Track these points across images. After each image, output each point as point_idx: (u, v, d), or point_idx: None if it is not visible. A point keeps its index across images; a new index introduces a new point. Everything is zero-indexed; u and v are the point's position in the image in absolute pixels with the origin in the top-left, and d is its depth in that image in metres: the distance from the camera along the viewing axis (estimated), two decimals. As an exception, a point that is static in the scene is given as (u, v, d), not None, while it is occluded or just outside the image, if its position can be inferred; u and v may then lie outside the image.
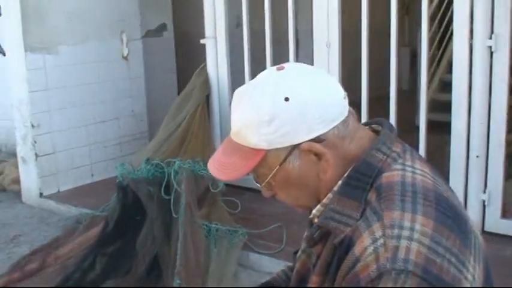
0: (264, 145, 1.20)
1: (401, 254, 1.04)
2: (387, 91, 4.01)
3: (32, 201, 5.13)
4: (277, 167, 1.22)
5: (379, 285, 1.04)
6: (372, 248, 1.07)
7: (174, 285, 3.23)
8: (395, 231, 1.08)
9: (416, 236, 1.07)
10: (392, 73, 3.96)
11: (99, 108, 5.52)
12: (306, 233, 1.30)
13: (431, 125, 4.21)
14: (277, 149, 1.20)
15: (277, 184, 1.27)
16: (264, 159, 1.21)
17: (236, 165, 1.24)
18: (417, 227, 1.08)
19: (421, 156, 1.32)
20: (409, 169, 1.21)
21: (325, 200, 1.26)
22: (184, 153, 4.38)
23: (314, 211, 1.29)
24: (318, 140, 1.19)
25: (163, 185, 4.12)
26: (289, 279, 1.43)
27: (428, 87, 4.33)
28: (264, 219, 4.14)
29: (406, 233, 1.07)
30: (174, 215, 3.89)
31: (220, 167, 1.27)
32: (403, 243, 1.06)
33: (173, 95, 5.96)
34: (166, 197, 4.03)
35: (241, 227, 3.89)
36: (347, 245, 1.13)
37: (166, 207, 4.00)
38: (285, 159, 1.21)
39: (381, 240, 1.08)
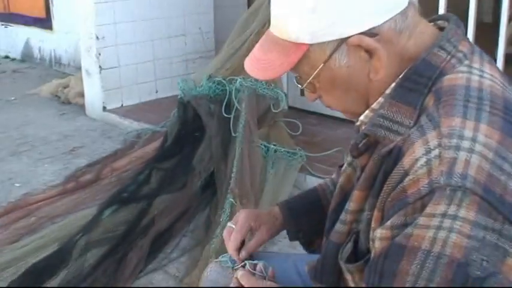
0: (306, 38, 1.03)
1: (459, 168, 0.89)
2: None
3: (95, 114, 5.12)
4: (321, 65, 1.05)
5: (430, 204, 0.88)
6: (425, 159, 0.91)
7: (227, 203, 3.11)
8: (454, 141, 0.91)
9: (478, 148, 0.91)
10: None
11: (166, 24, 5.36)
12: (351, 142, 1.10)
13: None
14: (321, 44, 1.03)
15: (321, 85, 1.10)
16: (306, 55, 1.05)
17: (274, 61, 1.07)
18: (480, 137, 0.92)
19: (491, 59, 1.10)
20: (476, 72, 1.02)
21: (374, 105, 1.08)
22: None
23: (361, 117, 1.12)
24: (370, 33, 1.01)
25: (224, 103, 3.99)
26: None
27: (510, 20, 3.94)
28: (325, 143, 3.94)
29: (466, 143, 0.90)
30: (233, 134, 3.75)
31: (257, 63, 1.11)
32: (462, 155, 0.89)
33: (242, 13, 5.72)
34: (227, 116, 3.90)
35: (301, 149, 3.72)
36: (396, 156, 0.97)
37: (225, 126, 3.87)
38: (330, 56, 1.04)
39: (436, 151, 0.91)
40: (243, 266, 1.35)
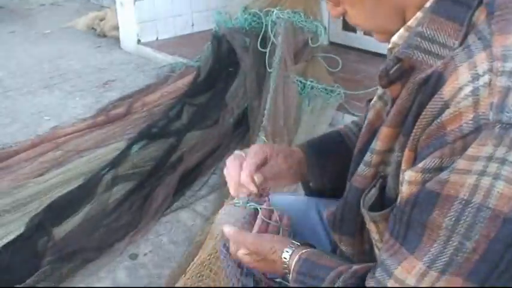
0: None
1: None
2: None
3: (130, 47, 4.98)
4: None
5: (473, 144, 0.72)
6: (470, 88, 0.73)
7: (258, 141, 2.96)
8: (509, 64, 0.72)
9: None
10: None
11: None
12: (380, 68, 0.91)
13: None
14: None
15: None
16: None
17: None
18: None
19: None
20: None
21: (411, 22, 0.87)
22: (284, 2, 3.94)
23: (394, 38, 0.90)
24: None
25: (260, 37, 3.79)
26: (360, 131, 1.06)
27: None
28: (365, 80, 3.72)
29: None
30: (268, 69, 3.56)
31: None
32: None
33: None
34: (262, 50, 3.70)
35: (340, 86, 3.50)
36: (434, 84, 0.78)
37: (261, 60, 3.68)
38: None
39: (485, 78, 0.72)
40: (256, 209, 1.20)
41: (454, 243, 0.74)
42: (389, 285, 0.80)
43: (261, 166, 1.19)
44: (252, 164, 1.17)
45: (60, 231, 2.50)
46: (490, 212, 0.71)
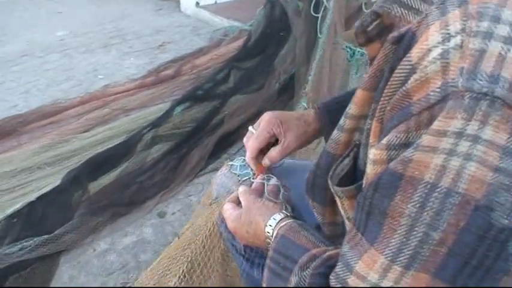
0: None
1: (488, 67, 0.60)
2: None
3: (189, 10, 5.01)
4: None
5: (439, 117, 0.62)
6: (440, 50, 0.63)
7: (298, 108, 2.92)
8: (484, 24, 0.63)
9: None
10: None
11: None
12: (355, 24, 0.83)
13: None
14: None
15: None
16: None
17: None
18: None
19: None
20: None
21: None
22: (341, -34, 3.83)
23: None
24: None
25: (314, 1, 3.70)
26: None
27: None
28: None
29: (502, 30, 0.62)
30: (319, 35, 3.49)
31: None
32: (495, 47, 0.61)
33: None
34: (315, 15, 3.61)
35: (391, 54, 3.38)
36: (406, 45, 0.69)
37: (312, 26, 3.59)
38: None
39: (457, 39, 0.63)
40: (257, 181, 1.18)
41: (419, 234, 0.63)
42: (350, 283, 0.69)
43: (266, 142, 1.17)
44: (255, 146, 1.16)
45: (96, 186, 2.57)
46: (460, 197, 0.61)
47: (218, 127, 3.02)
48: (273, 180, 1.15)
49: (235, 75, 3.54)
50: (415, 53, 0.65)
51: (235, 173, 1.29)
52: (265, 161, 1.17)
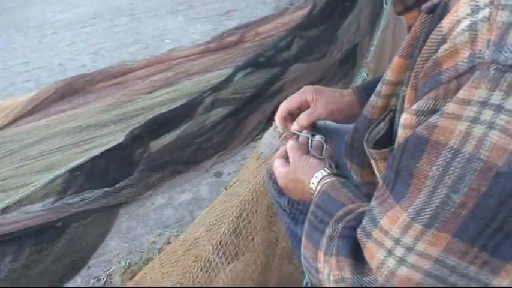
0: None
1: None
2: None
3: (256, -22, 5.02)
4: None
5: (465, 86, 0.64)
6: (468, 22, 0.65)
7: (359, 78, 2.92)
8: None
9: None
10: None
11: None
12: None
13: None
14: None
15: None
16: None
17: None
18: None
19: None
20: None
21: None
22: None
23: None
24: None
25: (381, -29, 3.66)
26: None
27: None
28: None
29: None
30: (384, 5, 3.45)
31: None
32: None
33: None
34: (382, -15, 3.57)
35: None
36: (440, 14, 0.71)
37: (379, -4, 3.57)
38: None
39: (486, 11, 0.65)
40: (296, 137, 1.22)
41: (440, 196, 0.66)
42: (374, 235, 0.74)
43: (297, 106, 1.21)
44: (285, 107, 1.21)
45: (157, 144, 2.67)
46: (482, 164, 0.63)
47: (277, 94, 3.06)
48: (317, 137, 1.19)
49: (298, 44, 3.56)
50: (446, 23, 0.67)
51: (278, 131, 1.34)
52: (294, 125, 1.20)
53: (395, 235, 0.71)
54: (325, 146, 1.20)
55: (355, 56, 3.34)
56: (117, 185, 2.36)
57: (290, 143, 1.16)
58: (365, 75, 2.92)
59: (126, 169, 2.50)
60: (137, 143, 2.66)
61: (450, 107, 0.65)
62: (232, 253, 1.68)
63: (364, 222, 0.77)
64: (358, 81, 2.90)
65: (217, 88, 3.10)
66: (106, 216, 2.32)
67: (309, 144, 1.18)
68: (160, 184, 2.44)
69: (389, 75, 0.85)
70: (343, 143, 1.28)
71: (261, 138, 2.75)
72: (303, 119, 1.19)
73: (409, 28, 0.82)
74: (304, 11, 3.93)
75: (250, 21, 4.10)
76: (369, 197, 0.97)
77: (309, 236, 0.93)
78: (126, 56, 3.65)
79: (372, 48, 3.08)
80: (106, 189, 2.33)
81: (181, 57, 3.54)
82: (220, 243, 1.69)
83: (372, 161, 0.89)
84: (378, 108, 0.90)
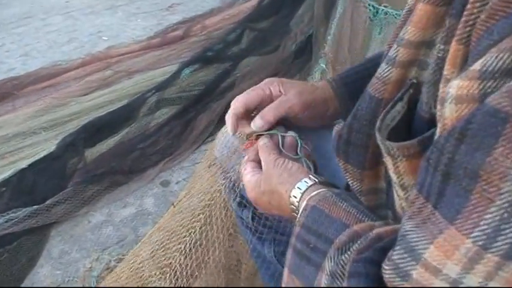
0: None
1: None
2: None
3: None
4: None
5: None
6: None
7: (317, 69, 2.67)
8: None
9: None
10: None
11: None
12: None
13: None
14: None
15: None
16: None
17: None
18: None
19: None
20: None
21: None
22: None
23: None
24: None
25: (334, -43, 3.42)
26: None
27: None
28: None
29: None
30: (340, -8, 3.21)
31: None
32: None
33: None
34: (335, -29, 3.33)
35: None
36: None
37: (333, -17, 3.33)
38: None
39: None
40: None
41: None
42: (416, 276, 0.45)
43: (259, 100, 0.90)
44: (242, 101, 0.89)
45: (93, 152, 2.35)
46: None
47: (228, 90, 2.78)
48: (290, 133, 0.90)
49: (248, 36, 3.28)
50: None
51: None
52: (256, 123, 0.88)
53: (452, 274, 0.43)
54: (299, 142, 0.91)
55: (310, 47, 3.09)
56: (48, 202, 2.04)
57: (262, 142, 0.87)
58: (323, 66, 2.67)
59: (58, 182, 2.17)
60: (71, 152, 2.33)
61: None
62: (185, 279, 1.40)
63: (395, 255, 0.48)
64: (317, 73, 2.65)
65: (161, 87, 2.79)
66: (35, 239, 1.98)
67: (280, 143, 0.89)
68: (98, 198, 2.12)
69: (410, 31, 0.59)
70: (320, 140, 0.99)
71: (212, 141, 2.46)
72: (269, 112, 0.88)
73: None
74: (253, 2, 3.66)
75: (196, 15, 3.79)
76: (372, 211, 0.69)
77: (295, 270, 0.64)
78: (60, 56, 3.30)
79: (329, 38, 2.83)
80: (35, 207, 2.00)
81: (121, 54, 3.21)
82: (170, 266, 1.40)
83: (388, 160, 0.60)
84: (392, 82, 0.63)
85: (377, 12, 3.11)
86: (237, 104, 0.90)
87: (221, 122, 2.54)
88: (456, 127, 0.44)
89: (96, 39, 3.56)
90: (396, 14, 3.07)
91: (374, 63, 0.95)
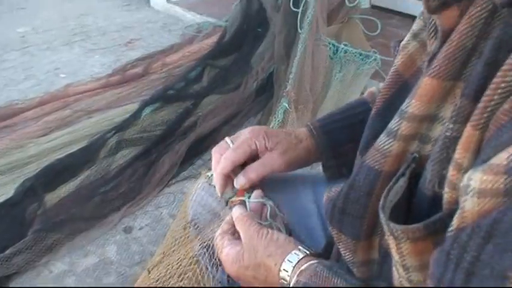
0: None
1: None
2: None
3: (159, 5, 4.73)
4: None
5: None
6: None
7: (280, 108, 2.66)
8: None
9: None
10: None
11: None
12: None
13: None
14: None
15: None
16: None
17: None
18: None
19: None
20: None
21: None
22: (322, -42, 3.59)
23: None
24: None
25: (293, -5, 3.46)
26: None
27: None
28: (406, 46, 3.34)
29: None
30: (299, 31, 3.24)
31: None
32: None
33: None
34: (295, 9, 3.37)
35: (376, 52, 3.15)
36: None
37: (292, 21, 3.36)
38: None
39: None
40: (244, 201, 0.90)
41: None
42: None
43: (246, 157, 0.90)
44: (230, 159, 0.89)
45: (53, 197, 2.28)
46: None
47: (191, 130, 2.75)
48: (270, 202, 0.88)
49: (209, 74, 3.28)
50: None
51: (213, 185, 1.02)
52: (240, 180, 0.88)
53: None
54: (269, 207, 0.90)
55: (272, 84, 3.10)
56: (6, 252, 1.96)
57: (238, 212, 0.85)
58: (286, 105, 2.68)
59: (18, 230, 2.10)
60: (30, 197, 2.26)
61: None
62: None
63: None
64: (279, 113, 2.65)
65: (122, 127, 2.75)
66: (-8, 291, 1.90)
67: (248, 208, 0.88)
68: (59, 247, 2.06)
69: (414, 105, 0.58)
70: (298, 198, 0.98)
71: (176, 183, 2.43)
72: (253, 171, 0.89)
73: (445, 34, 0.57)
74: (213, 39, 3.66)
75: (156, 51, 3.77)
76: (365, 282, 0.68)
77: None
78: (16, 94, 3.22)
79: (291, 76, 2.85)
80: (-7, 257, 1.93)
81: (80, 92, 3.16)
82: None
83: (391, 240, 0.58)
84: (393, 155, 0.62)
85: (337, 50, 3.16)
86: (225, 163, 0.89)
87: (184, 163, 2.52)
88: (482, 225, 0.43)
89: (53, 77, 3.49)
90: (355, 52, 3.12)
91: (354, 113, 0.96)
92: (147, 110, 2.90)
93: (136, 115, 2.86)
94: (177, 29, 4.28)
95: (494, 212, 0.43)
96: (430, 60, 0.59)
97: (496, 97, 0.47)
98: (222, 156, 0.90)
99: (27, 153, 2.57)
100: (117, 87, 3.21)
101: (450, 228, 0.48)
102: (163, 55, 3.60)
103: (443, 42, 0.57)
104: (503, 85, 0.47)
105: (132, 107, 2.98)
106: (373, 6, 4.14)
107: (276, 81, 3.09)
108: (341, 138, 0.93)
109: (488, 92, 0.48)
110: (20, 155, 2.56)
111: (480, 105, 0.49)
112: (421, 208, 0.57)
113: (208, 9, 4.40)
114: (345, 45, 3.16)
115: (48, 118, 2.88)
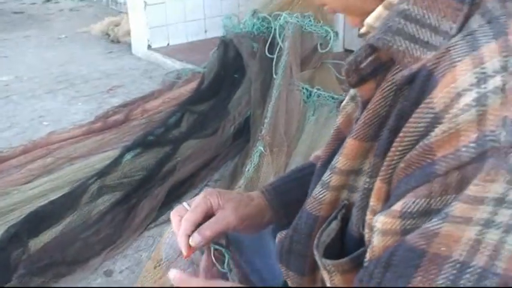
0: None
1: None
2: None
3: (140, 53, 4.87)
4: None
5: (476, 179, 0.50)
6: (474, 95, 0.51)
7: (256, 152, 2.78)
8: None
9: None
10: None
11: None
12: (347, 60, 0.68)
13: None
14: None
15: None
16: None
17: None
18: None
19: None
20: None
21: None
22: (295, 6, 3.77)
23: (369, 19, 0.67)
24: None
25: (268, 42, 3.61)
26: None
27: None
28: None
29: None
30: (274, 76, 3.38)
31: None
32: None
33: None
34: (270, 56, 3.52)
35: (348, 95, 3.28)
36: (421, 86, 0.57)
37: (268, 67, 3.50)
38: None
39: (497, 80, 0.52)
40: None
41: None
42: None
43: (203, 220, 0.96)
44: (191, 220, 0.94)
45: (37, 242, 2.36)
46: (498, 279, 0.49)
47: (170, 175, 2.85)
48: (228, 251, 0.98)
49: (188, 120, 3.40)
50: (439, 97, 0.53)
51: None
52: (195, 238, 0.92)
53: None
54: (227, 256, 1.00)
55: (248, 129, 3.22)
56: (-10, 297, 2.03)
57: (172, 274, 0.87)
58: (261, 148, 2.80)
59: (3, 275, 2.17)
60: (15, 243, 2.33)
61: (457, 208, 0.50)
62: None
63: None
64: (255, 156, 2.76)
65: (103, 173, 2.84)
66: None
67: (213, 258, 0.98)
68: (43, 291, 2.13)
69: (341, 161, 0.70)
70: (260, 240, 1.07)
71: (155, 227, 2.52)
72: (207, 229, 0.93)
73: (364, 103, 0.68)
74: (192, 85, 3.79)
75: (137, 97, 3.89)
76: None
77: None
78: (0, 142, 3.31)
79: (266, 120, 2.97)
80: (-25, 305, 1.99)
81: (62, 140, 3.25)
82: None
83: (325, 274, 0.70)
84: (326, 203, 0.74)
85: (310, 94, 3.30)
86: (187, 225, 0.93)
87: (164, 207, 2.61)
88: (382, 257, 0.55)
89: (37, 125, 3.59)
90: (328, 95, 3.26)
91: (303, 174, 1.07)
92: (128, 156, 3.00)
93: (117, 161, 2.95)
94: (157, 75, 4.41)
95: (391, 248, 0.55)
96: (356, 122, 0.71)
97: (395, 158, 0.58)
98: (183, 218, 0.95)
99: (11, 200, 2.65)
100: (99, 133, 3.31)
101: (365, 260, 0.60)
102: (143, 101, 3.71)
103: (363, 109, 0.68)
104: (400, 148, 0.58)
105: (113, 153, 3.07)
106: (346, 50, 4.31)
107: (252, 125, 3.21)
108: (289, 198, 1.01)
109: (390, 153, 0.59)
110: (5, 202, 2.64)
111: (385, 163, 0.60)
112: (352, 246, 0.68)
113: (187, 56, 4.54)
114: (318, 89, 3.29)
115: (31, 166, 2.96)
